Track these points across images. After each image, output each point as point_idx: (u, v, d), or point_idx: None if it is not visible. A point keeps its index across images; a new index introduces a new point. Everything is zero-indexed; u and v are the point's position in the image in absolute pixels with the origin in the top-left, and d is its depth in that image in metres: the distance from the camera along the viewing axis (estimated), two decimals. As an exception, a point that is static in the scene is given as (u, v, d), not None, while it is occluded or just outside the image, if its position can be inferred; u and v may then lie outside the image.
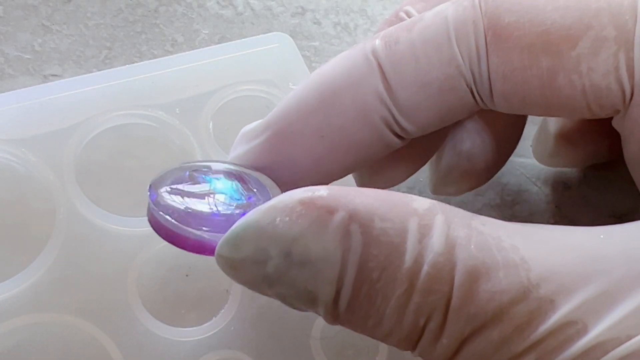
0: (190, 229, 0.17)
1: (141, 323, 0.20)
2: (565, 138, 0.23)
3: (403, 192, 0.25)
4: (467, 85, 0.18)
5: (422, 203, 0.16)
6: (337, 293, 0.15)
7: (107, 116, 0.22)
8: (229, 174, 0.18)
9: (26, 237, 0.21)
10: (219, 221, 0.17)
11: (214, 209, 0.17)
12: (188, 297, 0.21)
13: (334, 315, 0.16)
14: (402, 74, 0.17)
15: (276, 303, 0.21)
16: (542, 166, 0.27)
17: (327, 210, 0.15)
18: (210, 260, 0.21)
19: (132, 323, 0.20)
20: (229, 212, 0.17)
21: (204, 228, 0.17)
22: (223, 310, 0.20)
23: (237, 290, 0.21)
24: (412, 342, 0.15)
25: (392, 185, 0.22)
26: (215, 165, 0.19)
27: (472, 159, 0.22)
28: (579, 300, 0.14)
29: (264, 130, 0.18)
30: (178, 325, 0.20)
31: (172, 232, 0.17)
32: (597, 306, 0.14)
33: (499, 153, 0.22)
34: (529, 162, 0.27)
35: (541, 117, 0.25)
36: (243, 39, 0.25)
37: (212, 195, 0.18)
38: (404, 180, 0.22)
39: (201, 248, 0.17)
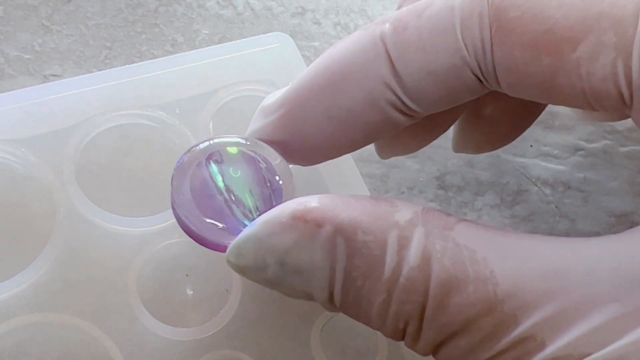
0: (208, 238, 0.19)
1: (141, 323, 0.20)
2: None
3: (402, 191, 0.26)
4: (474, 74, 0.18)
5: (404, 213, 0.17)
6: (330, 295, 0.17)
7: (107, 116, 0.22)
8: (244, 158, 0.19)
9: (26, 237, 0.21)
10: (234, 224, 0.19)
11: (230, 214, 0.19)
12: (188, 297, 0.21)
13: (333, 309, 0.18)
14: (408, 60, 0.18)
15: (276, 303, 0.21)
16: (542, 166, 0.27)
17: (315, 224, 0.16)
18: (211, 260, 0.21)
19: (132, 323, 0.20)
20: (242, 213, 0.19)
21: (220, 226, 0.19)
22: (223, 310, 0.20)
23: (237, 290, 0.21)
24: (398, 339, 0.17)
25: (409, 153, 0.23)
26: (231, 149, 0.19)
27: (494, 121, 0.22)
28: (538, 317, 0.15)
29: (279, 108, 0.19)
30: (178, 325, 0.20)
31: (193, 235, 0.19)
32: (555, 323, 0.15)
33: (521, 117, 0.23)
34: (529, 162, 0.27)
35: None
36: (243, 39, 0.25)
37: (230, 195, 0.19)
38: (420, 148, 0.23)
39: (219, 249, 0.19)
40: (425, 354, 0.17)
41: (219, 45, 0.25)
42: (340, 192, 0.23)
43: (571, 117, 0.27)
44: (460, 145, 0.24)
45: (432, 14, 0.18)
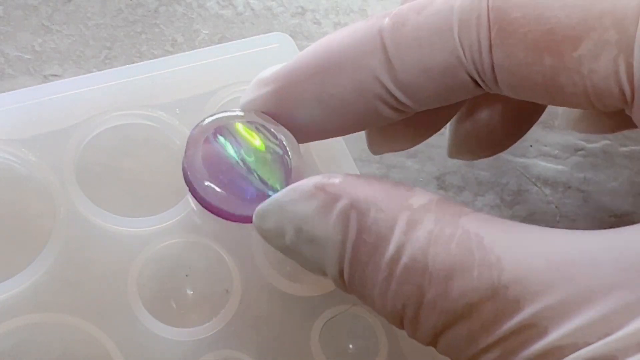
0: (232, 211, 0.19)
1: (141, 323, 0.20)
2: None
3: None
4: (469, 75, 0.18)
5: (419, 199, 0.17)
6: (341, 270, 0.17)
7: (107, 116, 0.22)
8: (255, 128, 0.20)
9: (26, 237, 0.21)
10: (256, 194, 0.19)
11: (251, 184, 0.19)
12: (188, 297, 0.21)
13: (343, 287, 0.18)
14: (405, 56, 0.18)
15: (276, 303, 0.21)
16: (542, 166, 0.27)
17: (333, 197, 0.17)
18: (211, 260, 0.21)
19: (132, 323, 0.20)
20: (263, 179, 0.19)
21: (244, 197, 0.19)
22: (223, 310, 0.20)
23: (237, 290, 0.21)
24: (398, 324, 0.17)
25: (400, 150, 0.23)
26: (240, 119, 0.20)
27: (490, 127, 0.22)
28: (542, 305, 0.15)
29: (272, 82, 0.20)
30: (178, 325, 0.20)
31: (217, 210, 0.19)
32: (558, 312, 0.15)
33: (518, 123, 0.23)
34: (529, 162, 0.27)
35: None
36: (243, 39, 0.25)
37: (248, 167, 0.19)
38: (411, 147, 0.23)
39: (244, 220, 0.19)
40: (425, 343, 0.17)
41: (219, 45, 0.25)
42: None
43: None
44: (455, 151, 0.24)
45: (431, 12, 0.18)
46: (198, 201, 0.19)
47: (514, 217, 0.26)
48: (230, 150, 0.19)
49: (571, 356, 0.14)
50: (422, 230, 0.16)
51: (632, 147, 0.27)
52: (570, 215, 0.26)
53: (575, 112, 0.24)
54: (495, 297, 0.15)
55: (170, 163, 0.22)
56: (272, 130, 0.20)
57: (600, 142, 0.27)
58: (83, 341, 0.19)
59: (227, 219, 0.19)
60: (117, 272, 0.20)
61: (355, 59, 0.18)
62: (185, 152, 0.19)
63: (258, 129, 0.20)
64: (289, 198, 0.18)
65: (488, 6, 0.17)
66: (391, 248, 0.16)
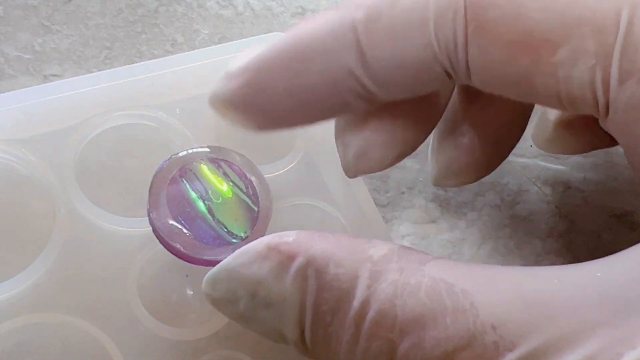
0: (195, 256, 0.19)
1: (141, 323, 0.20)
2: (564, 124, 0.23)
3: (402, 191, 0.26)
4: (444, 69, 0.18)
5: (379, 249, 0.16)
6: (302, 333, 0.16)
7: (107, 116, 0.22)
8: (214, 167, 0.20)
9: (26, 237, 0.21)
10: (217, 242, 0.19)
11: (211, 231, 0.19)
12: (188, 297, 0.21)
13: (305, 352, 0.17)
14: (379, 51, 0.18)
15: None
16: (542, 166, 0.27)
17: (288, 256, 0.16)
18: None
19: (132, 323, 0.20)
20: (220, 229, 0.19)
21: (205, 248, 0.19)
22: (223, 310, 0.20)
23: (237, 290, 0.21)
24: None
25: (378, 171, 0.21)
26: (202, 162, 0.20)
27: (472, 152, 0.22)
28: (523, 350, 0.14)
29: (241, 74, 0.19)
30: (178, 325, 0.20)
31: (178, 253, 0.19)
32: (542, 355, 0.14)
33: (500, 147, 0.22)
34: (529, 162, 0.27)
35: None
36: (243, 39, 0.25)
37: (208, 211, 0.19)
38: (388, 167, 0.21)
39: (204, 263, 0.19)
40: None
41: (219, 45, 0.25)
42: (341, 192, 0.23)
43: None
44: (440, 178, 0.23)
45: (406, 6, 0.18)
46: (159, 241, 0.19)
47: (514, 217, 0.26)
48: (193, 193, 0.19)
49: None
50: (386, 282, 0.15)
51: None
52: (570, 216, 0.26)
53: (546, 134, 0.24)
54: (473, 344, 0.15)
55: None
56: (242, 170, 0.20)
57: (600, 142, 0.27)
58: (83, 341, 0.19)
59: (186, 260, 0.19)
60: (117, 272, 0.20)
61: (328, 52, 0.18)
62: (150, 191, 0.19)
63: (225, 171, 0.20)
64: (241, 261, 0.17)
65: (465, 3, 0.17)
66: (355, 303, 0.15)
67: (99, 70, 0.25)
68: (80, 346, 0.19)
